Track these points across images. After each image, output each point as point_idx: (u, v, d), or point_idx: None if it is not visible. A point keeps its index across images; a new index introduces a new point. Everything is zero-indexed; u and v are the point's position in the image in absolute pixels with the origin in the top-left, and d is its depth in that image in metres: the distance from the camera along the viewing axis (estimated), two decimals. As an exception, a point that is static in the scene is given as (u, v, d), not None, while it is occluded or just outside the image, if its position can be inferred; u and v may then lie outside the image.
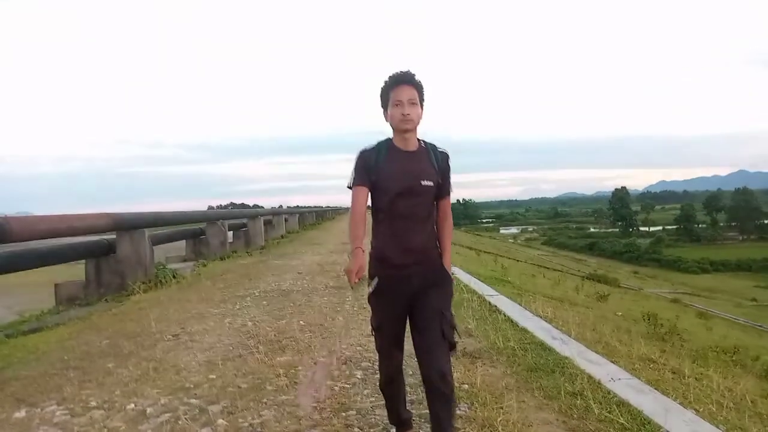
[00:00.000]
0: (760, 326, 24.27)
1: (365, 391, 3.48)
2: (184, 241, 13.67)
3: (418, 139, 2.50)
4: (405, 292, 2.45)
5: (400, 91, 2.36)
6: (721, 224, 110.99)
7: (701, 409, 3.42)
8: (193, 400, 3.36)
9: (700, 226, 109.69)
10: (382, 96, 2.44)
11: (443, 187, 2.51)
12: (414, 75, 2.41)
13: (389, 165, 2.40)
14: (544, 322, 5.58)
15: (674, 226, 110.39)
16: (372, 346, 4.46)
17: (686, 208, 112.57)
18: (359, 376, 3.76)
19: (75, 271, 9.18)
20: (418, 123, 2.42)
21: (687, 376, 4.36)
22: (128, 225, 8.46)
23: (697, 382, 4.29)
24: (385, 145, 2.46)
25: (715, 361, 6.47)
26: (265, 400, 3.34)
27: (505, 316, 5.72)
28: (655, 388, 3.67)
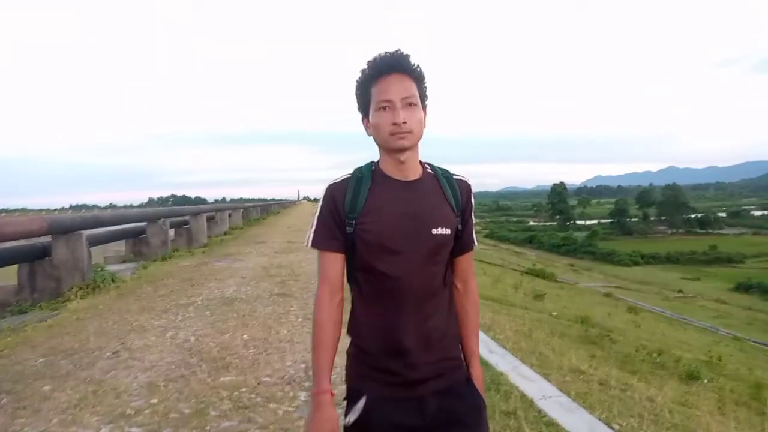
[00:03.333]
0: (684, 319, 25.65)
1: (309, 415, 3.55)
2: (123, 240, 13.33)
3: (421, 162, 1.63)
4: (410, 427, 1.54)
5: (388, 85, 1.51)
6: (652, 218, 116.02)
7: (624, 424, 3.68)
8: (134, 429, 3.36)
9: (632, 220, 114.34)
10: (359, 94, 1.59)
11: (465, 236, 1.65)
12: (408, 58, 1.54)
13: (376, 205, 1.54)
14: (482, 333, 5.80)
15: (609, 220, 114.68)
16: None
17: (620, 203, 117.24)
18: (303, 398, 3.84)
19: (5, 275, 8.83)
20: (420, 136, 1.55)
21: (613, 387, 4.64)
22: (65, 228, 8.21)
23: (622, 393, 4.57)
24: (369, 174, 1.59)
25: (641, 365, 6.87)
26: (208, 427, 3.37)
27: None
28: (583, 404, 3.92)
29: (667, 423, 3.98)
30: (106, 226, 11.21)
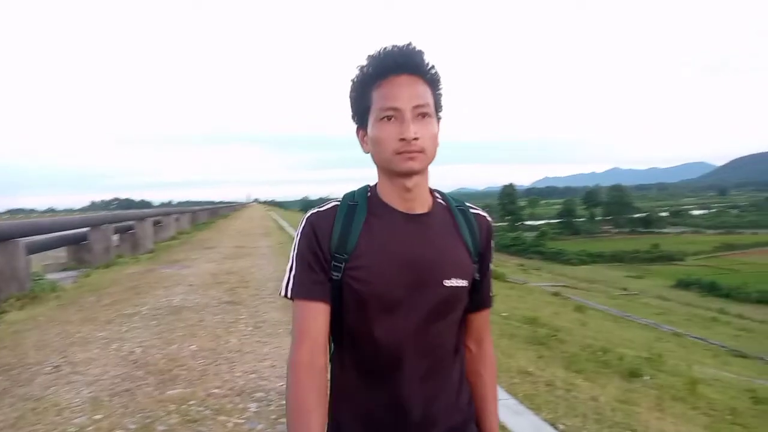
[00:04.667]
0: (628, 316, 26.51)
1: (259, 426, 3.52)
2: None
3: (431, 190, 1.30)
4: None
5: (396, 88, 1.18)
6: (598, 218, 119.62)
7: (569, 424, 3.79)
8: (77, 448, 3.26)
9: (579, 220, 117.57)
10: (354, 98, 1.25)
11: (483, 289, 1.33)
12: (422, 55, 1.21)
13: (373, 244, 1.21)
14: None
15: (557, 220, 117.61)
16: (268, 373, 4.52)
17: (568, 203, 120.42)
18: (254, 409, 3.80)
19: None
20: (433, 157, 1.21)
21: (559, 388, 4.77)
22: (0, 236, 7.88)
23: (567, 393, 4.70)
24: (364, 203, 1.25)
25: (586, 364, 7.07)
26: (155, 443, 3.30)
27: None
28: (530, 405, 4.02)
29: (609, 421, 4.12)
30: (46, 232, 10.80)
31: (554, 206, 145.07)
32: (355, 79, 1.24)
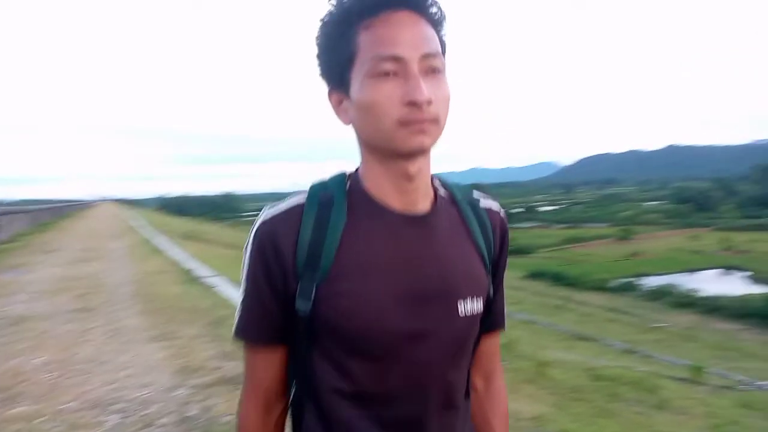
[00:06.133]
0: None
1: (118, 440, 3.34)
2: None
3: (435, 178, 0.95)
4: None
5: (394, 27, 0.81)
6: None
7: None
8: None
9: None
10: (326, 46, 0.88)
11: (495, 305, 1.00)
12: None
13: (359, 258, 0.85)
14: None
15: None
16: (129, 382, 4.27)
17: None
18: (113, 422, 3.58)
19: None
20: (444, 127, 0.85)
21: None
22: None
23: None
24: (342, 198, 0.89)
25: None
26: (-4, 468, 3.01)
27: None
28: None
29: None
30: None
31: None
32: (328, 18, 0.86)
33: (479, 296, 0.91)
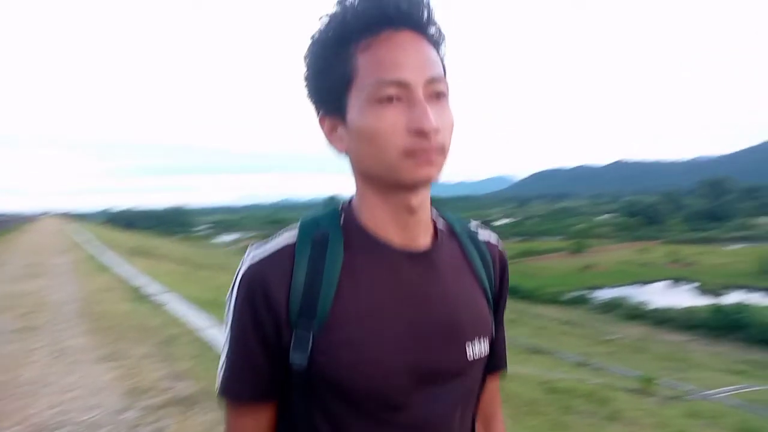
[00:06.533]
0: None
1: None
2: None
3: (434, 211, 0.90)
4: None
5: (398, 49, 0.75)
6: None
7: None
8: None
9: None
10: (318, 68, 0.80)
11: (497, 344, 0.93)
12: (423, 2, 0.78)
13: (360, 304, 0.78)
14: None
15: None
16: (76, 404, 4.11)
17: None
18: (56, 448, 3.43)
19: None
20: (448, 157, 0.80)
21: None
22: None
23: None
24: (338, 233, 0.81)
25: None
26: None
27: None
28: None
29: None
30: None
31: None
32: (321, 36, 0.78)
33: (485, 336, 0.86)
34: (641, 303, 30.15)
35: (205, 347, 5.94)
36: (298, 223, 0.83)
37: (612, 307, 29.37)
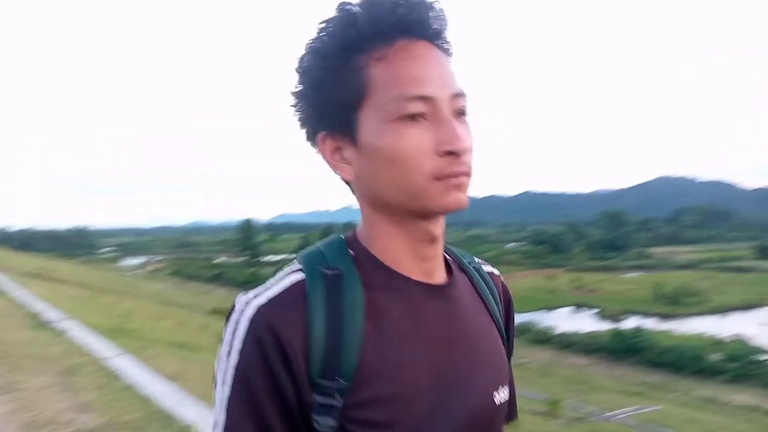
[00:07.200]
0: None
1: None
2: None
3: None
4: None
5: (420, 61, 0.67)
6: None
7: None
8: None
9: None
10: (319, 82, 0.70)
11: (511, 389, 0.84)
12: (439, 10, 0.69)
13: (389, 353, 0.68)
14: (168, 383, 5.55)
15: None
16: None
17: (308, 237, 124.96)
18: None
19: None
20: None
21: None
22: None
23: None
24: (352, 268, 0.70)
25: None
26: None
27: (127, 381, 5.48)
28: None
29: None
30: None
31: (293, 241, 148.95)
32: (323, 44, 0.68)
33: (506, 382, 0.78)
34: (548, 328, 31.45)
35: (110, 377, 5.65)
36: (299, 258, 0.73)
37: (521, 331, 30.44)
